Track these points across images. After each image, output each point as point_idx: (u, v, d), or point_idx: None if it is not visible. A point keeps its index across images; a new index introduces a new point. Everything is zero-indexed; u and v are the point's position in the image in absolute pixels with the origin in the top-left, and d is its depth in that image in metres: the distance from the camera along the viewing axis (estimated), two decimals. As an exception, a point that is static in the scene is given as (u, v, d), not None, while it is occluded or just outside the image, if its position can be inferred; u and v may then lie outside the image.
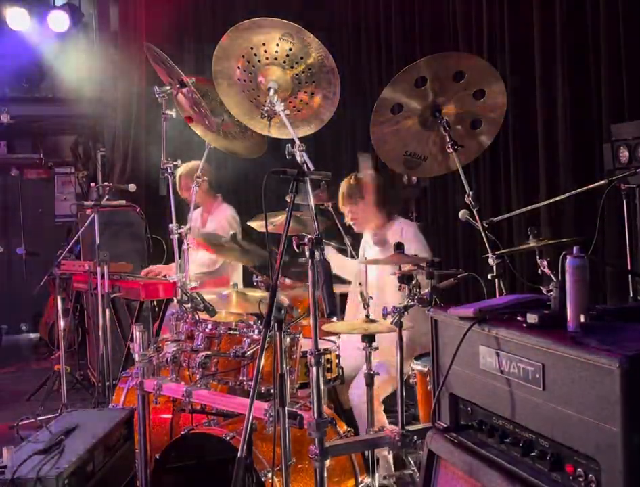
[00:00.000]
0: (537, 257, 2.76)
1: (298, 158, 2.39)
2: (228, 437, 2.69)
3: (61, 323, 5.32)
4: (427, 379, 2.84)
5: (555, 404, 1.53)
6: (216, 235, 3.79)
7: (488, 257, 2.60)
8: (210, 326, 2.81)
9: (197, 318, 2.88)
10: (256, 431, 2.51)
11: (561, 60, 3.99)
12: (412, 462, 2.96)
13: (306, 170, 2.34)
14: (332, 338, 3.39)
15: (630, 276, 3.20)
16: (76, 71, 6.74)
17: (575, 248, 1.64)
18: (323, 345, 2.77)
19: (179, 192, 3.14)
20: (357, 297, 3.04)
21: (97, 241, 4.61)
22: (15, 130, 7.91)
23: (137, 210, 5.56)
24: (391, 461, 3.16)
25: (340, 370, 3.09)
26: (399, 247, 2.81)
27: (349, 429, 2.94)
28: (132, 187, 4.87)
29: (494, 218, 3.13)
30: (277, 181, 2.30)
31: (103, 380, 4.58)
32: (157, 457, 2.86)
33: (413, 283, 2.58)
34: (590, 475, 1.45)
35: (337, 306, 3.43)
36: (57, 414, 4.52)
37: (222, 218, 4.59)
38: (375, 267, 3.45)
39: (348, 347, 3.40)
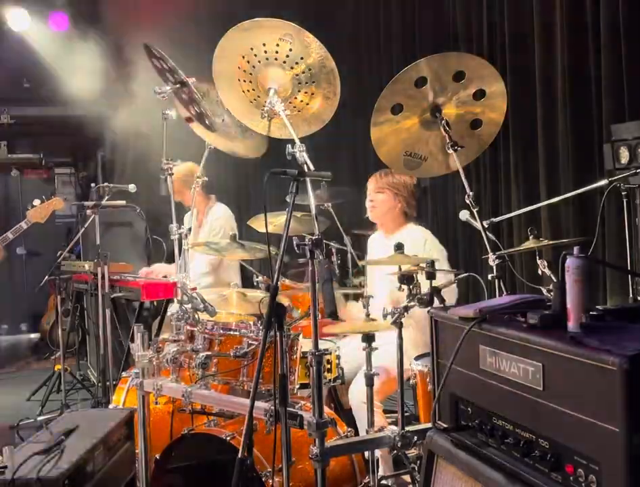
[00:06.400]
0: (537, 257, 2.76)
1: (298, 158, 2.39)
2: (228, 438, 2.69)
3: (61, 323, 5.33)
4: (427, 379, 2.85)
5: (555, 404, 1.53)
6: (212, 243, 3.77)
7: (488, 257, 2.60)
8: (210, 326, 2.81)
9: (197, 319, 2.88)
10: (256, 432, 2.51)
11: (561, 60, 4.00)
12: (412, 462, 2.96)
13: (306, 170, 2.35)
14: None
15: (630, 276, 3.21)
16: (76, 71, 6.74)
17: (575, 248, 1.64)
18: (323, 345, 2.78)
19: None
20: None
21: (98, 242, 4.61)
22: (15, 130, 7.92)
23: (137, 210, 5.56)
24: (391, 461, 3.16)
25: (340, 371, 3.09)
26: (400, 247, 2.80)
27: (349, 429, 2.95)
28: (132, 187, 4.88)
29: (494, 219, 3.13)
30: (278, 182, 2.30)
31: (103, 380, 4.58)
32: (157, 457, 2.86)
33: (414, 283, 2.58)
34: (591, 475, 1.45)
35: (337, 307, 3.42)
36: (57, 415, 4.54)
37: (215, 219, 4.59)
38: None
39: (349, 347, 3.40)
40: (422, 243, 3.48)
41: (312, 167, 2.37)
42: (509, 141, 4.49)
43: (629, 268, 3.17)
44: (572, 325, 1.60)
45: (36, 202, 4.97)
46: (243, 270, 4.68)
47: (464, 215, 2.99)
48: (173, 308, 3.41)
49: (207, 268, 4.47)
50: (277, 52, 2.69)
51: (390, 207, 3.63)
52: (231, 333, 2.77)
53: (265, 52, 2.70)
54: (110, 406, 3.66)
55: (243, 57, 2.72)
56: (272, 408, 2.32)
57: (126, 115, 6.78)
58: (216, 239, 4.26)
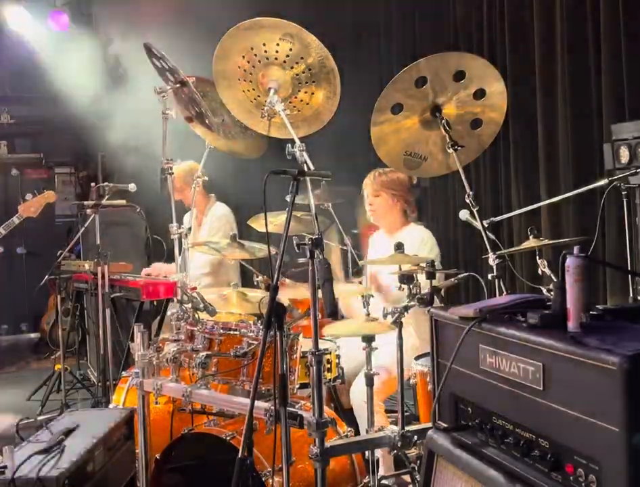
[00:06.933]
0: (537, 257, 2.76)
1: (298, 158, 2.39)
2: (228, 437, 2.69)
3: (61, 323, 5.34)
4: (427, 379, 2.85)
5: (555, 404, 1.53)
6: (212, 242, 3.77)
7: (488, 257, 2.60)
8: (210, 326, 2.81)
9: (197, 318, 2.88)
10: (256, 432, 2.51)
11: (561, 60, 4.00)
12: (412, 462, 2.96)
13: (306, 170, 2.35)
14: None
15: (630, 276, 3.20)
16: (77, 71, 6.74)
17: (575, 248, 1.64)
18: (323, 345, 2.78)
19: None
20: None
21: (98, 241, 4.61)
22: (15, 130, 7.92)
23: (137, 210, 5.56)
24: (391, 461, 3.16)
25: (340, 370, 3.09)
26: (399, 247, 2.81)
27: (349, 429, 2.95)
28: (132, 187, 4.87)
29: (495, 218, 3.13)
30: (278, 181, 2.29)
31: (103, 380, 4.57)
32: (157, 457, 2.86)
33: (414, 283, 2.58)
34: (591, 475, 1.45)
35: (337, 306, 3.42)
36: (57, 414, 4.54)
37: (215, 219, 4.59)
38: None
39: (350, 346, 3.40)
40: (419, 240, 3.52)
41: (312, 166, 2.37)
42: (509, 141, 4.49)
43: (629, 268, 3.17)
44: (572, 324, 1.60)
45: (29, 197, 4.96)
46: (243, 270, 4.68)
47: (464, 215, 2.99)
48: (173, 308, 3.41)
49: (207, 268, 4.46)
50: (277, 52, 2.69)
51: (390, 207, 3.65)
52: (231, 332, 2.77)
53: (265, 52, 2.70)
54: (110, 406, 3.66)
55: (243, 57, 2.72)
56: (272, 408, 2.32)
57: (126, 115, 6.79)
58: (216, 238, 4.26)
